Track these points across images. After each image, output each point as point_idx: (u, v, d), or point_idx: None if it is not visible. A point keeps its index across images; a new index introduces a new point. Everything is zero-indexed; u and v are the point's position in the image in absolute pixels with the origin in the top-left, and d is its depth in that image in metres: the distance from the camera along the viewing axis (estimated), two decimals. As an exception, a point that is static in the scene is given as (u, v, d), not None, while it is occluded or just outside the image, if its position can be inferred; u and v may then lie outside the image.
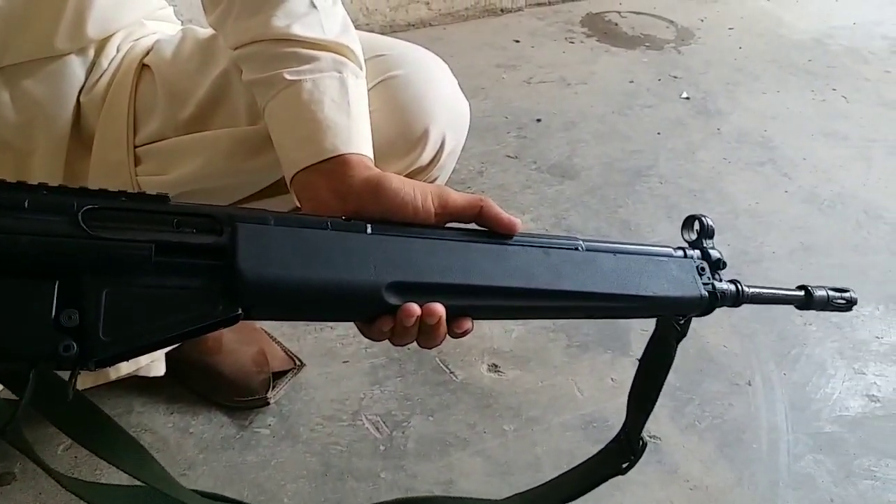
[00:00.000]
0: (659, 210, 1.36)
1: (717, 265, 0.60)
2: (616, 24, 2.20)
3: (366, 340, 1.00)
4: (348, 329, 1.03)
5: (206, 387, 0.90)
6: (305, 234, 0.48)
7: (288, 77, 0.59)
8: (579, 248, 0.56)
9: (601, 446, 0.85)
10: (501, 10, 2.16)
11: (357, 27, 0.64)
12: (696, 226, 0.61)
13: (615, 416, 0.93)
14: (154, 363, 0.82)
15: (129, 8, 0.77)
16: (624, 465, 0.69)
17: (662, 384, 0.65)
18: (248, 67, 0.64)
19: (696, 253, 0.60)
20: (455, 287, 0.51)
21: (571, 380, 1.00)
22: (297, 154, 0.57)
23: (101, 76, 0.75)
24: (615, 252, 0.57)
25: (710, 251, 0.60)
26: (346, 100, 0.59)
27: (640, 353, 1.02)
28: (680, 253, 0.60)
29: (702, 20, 2.26)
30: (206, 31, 0.76)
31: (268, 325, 0.99)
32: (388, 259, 0.50)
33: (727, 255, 0.61)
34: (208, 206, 0.47)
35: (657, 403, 0.65)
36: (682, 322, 0.61)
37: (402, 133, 0.65)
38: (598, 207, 1.35)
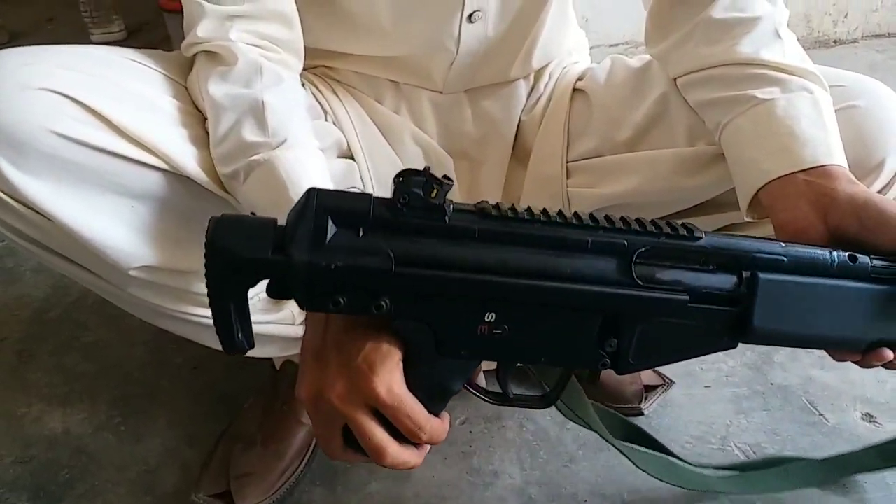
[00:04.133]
0: None
1: None
2: (972, 59, 1.97)
3: (725, 368, 1.02)
4: (706, 354, 1.04)
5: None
6: (813, 289, 0.51)
7: (760, 96, 0.63)
8: None
9: None
10: (834, 42, 2.04)
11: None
12: None
13: None
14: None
15: (560, 42, 0.86)
16: None
17: None
18: (706, 87, 0.68)
19: None
20: None
21: (962, 444, 0.91)
22: (771, 165, 0.60)
23: (538, 99, 0.85)
24: None
25: None
26: (821, 117, 0.61)
27: None
28: None
29: None
30: (634, 60, 0.83)
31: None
32: (879, 317, 0.53)
33: None
34: (731, 241, 0.50)
35: None
36: None
37: (858, 161, 0.65)
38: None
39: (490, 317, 0.48)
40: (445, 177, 0.45)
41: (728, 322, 0.51)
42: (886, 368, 0.57)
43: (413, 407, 0.48)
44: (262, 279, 0.46)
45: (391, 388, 0.47)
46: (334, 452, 0.51)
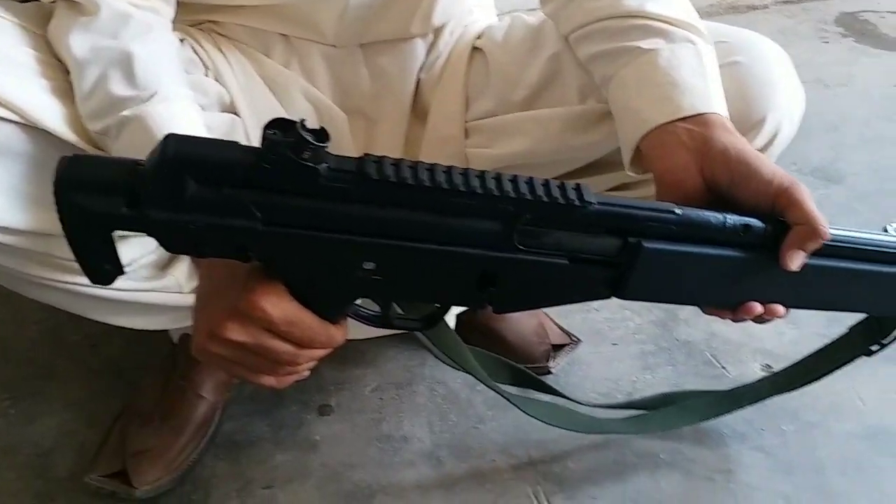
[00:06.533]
0: (943, 223, 1.25)
1: None
2: (875, 25, 2.05)
3: (632, 325, 1.04)
4: (615, 312, 1.06)
5: (489, 350, 0.96)
6: (695, 258, 0.52)
7: (644, 46, 0.62)
8: None
9: (890, 459, 0.81)
10: (747, 8, 2.08)
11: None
12: None
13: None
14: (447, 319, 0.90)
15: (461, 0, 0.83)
16: (872, 348, 0.75)
17: None
18: (593, 41, 0.67)
19: None
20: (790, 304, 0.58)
21: (852, 388, 0.95)
22: (652, 114, 0.59)
23: (437, 57, 0.83)
24: None
25: None
26: (702, 67, 0.61)
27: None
28: None
29: (977, 22, 2.04)
30: (533, 18, 0.81)
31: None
32: (755, 280, 0.55)
33: None
34: (621, 208, 0.49)
35: None
36: None
37: (740, 117, 0.65)
38: (870, 215, 1.27)
39: (369, 265, 0.47)
40: (322, 130, 0.42)
41: (606, 280, 0.52)
42: (756, 322, 0.59)
43: (306, 319, 0.48)
44: (117, 230, 0.43)
45: (279, 306, 0.47)
46: (267, 381, 0.52)
